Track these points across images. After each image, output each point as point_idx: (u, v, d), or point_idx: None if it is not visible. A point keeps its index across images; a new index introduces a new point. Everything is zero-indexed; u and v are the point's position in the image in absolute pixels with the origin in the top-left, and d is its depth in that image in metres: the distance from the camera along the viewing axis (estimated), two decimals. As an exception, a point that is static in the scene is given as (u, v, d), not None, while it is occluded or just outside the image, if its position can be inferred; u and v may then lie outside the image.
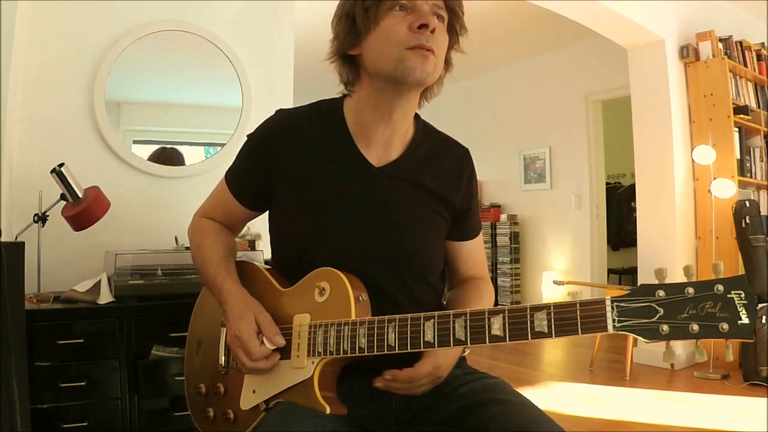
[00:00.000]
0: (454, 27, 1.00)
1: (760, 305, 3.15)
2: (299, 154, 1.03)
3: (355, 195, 1.01)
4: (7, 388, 1.23)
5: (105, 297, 1.75)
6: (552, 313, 0.76)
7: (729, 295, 0.69)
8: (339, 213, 1.01)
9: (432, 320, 0.83)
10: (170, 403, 1.73)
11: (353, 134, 1.03)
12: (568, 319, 0.75)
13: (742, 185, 3.60)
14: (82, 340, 1.63)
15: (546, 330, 0.76)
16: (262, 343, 0.94)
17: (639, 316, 0.72)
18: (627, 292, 0.74)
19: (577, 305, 0.75)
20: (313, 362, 0.91)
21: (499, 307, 0.80)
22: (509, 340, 0.78)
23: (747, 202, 3.43)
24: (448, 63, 1.02)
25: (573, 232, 5.29)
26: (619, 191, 6.11)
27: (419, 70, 0.93)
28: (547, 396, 3.03)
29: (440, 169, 1.08)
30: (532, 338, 0.77)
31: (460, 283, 1.15)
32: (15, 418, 1.22)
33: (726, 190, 3.45)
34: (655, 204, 3.67)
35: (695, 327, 0.69)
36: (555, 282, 4.33)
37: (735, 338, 0.68)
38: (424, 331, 0.84)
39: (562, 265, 5.36)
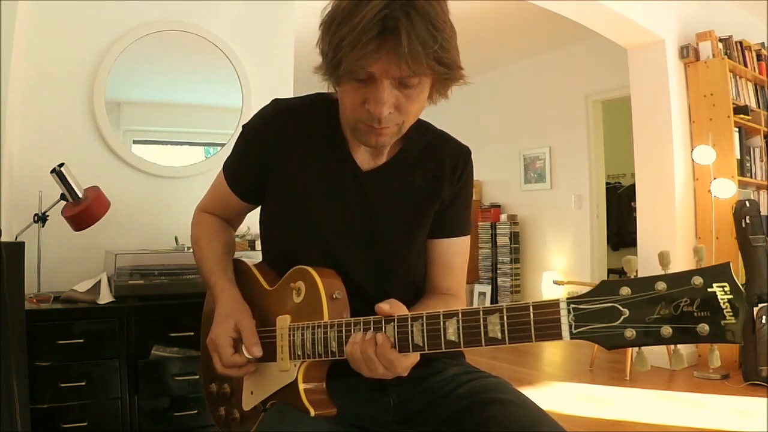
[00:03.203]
0: (441, 81, 0.86)
1: (760, 305, 3.15)
2: (291, 151, 1.01)
3: (342, 198, 0.99)
4: (7, 388, 1.23)
5: (105, 297, 1.75)
6: (505, 317, 0.68)
7: (710, 289, 0.56)
8: (325, 215, 0.99)
9: (392, 324, 0.80)
10: (170, 403, 1.73)
11: (346, 135, 1.00)
12: (521, 323, 0.67)
13: (742, 185, 3.60)
14: (82, 340, 1.63)
15: (499, 336, 0.68)
16: (238, 351, 0.93)
17: (600, 320, 0.61)
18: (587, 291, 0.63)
19: (530, 307, 0.66)
20: (295, 365, 0.90)
21: (453, 309, 0.74)
22: (464, 346, 0.72)
23: (747, 202, 3.43)
24: (440, 95, 0.90)
25: (573, 232, 5.29)
26: (619, 191, 6.11)
27: (373, 142, 0.90)
28: (547, 396, 3.03)
29: (432, 168, 1.03)
30: (486, 344, 0.70)
31: (425, 294, 1.05)
32: (15, 418, 1.22)
33: (726, 190, 3.45)
34: (655, 204, 3.67)
35: (667, 330, 0.57)
36: (555, 282, 4.32)
37: (718, 342, 0.56)
38: (386, 335, 0.80)
39: (562, 265, 5.36)
